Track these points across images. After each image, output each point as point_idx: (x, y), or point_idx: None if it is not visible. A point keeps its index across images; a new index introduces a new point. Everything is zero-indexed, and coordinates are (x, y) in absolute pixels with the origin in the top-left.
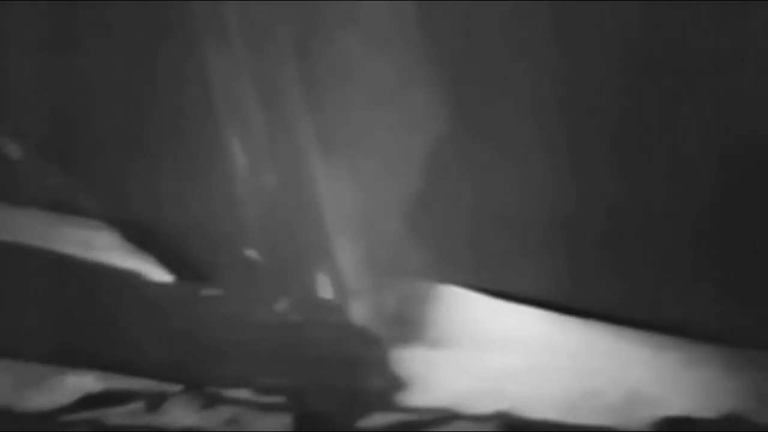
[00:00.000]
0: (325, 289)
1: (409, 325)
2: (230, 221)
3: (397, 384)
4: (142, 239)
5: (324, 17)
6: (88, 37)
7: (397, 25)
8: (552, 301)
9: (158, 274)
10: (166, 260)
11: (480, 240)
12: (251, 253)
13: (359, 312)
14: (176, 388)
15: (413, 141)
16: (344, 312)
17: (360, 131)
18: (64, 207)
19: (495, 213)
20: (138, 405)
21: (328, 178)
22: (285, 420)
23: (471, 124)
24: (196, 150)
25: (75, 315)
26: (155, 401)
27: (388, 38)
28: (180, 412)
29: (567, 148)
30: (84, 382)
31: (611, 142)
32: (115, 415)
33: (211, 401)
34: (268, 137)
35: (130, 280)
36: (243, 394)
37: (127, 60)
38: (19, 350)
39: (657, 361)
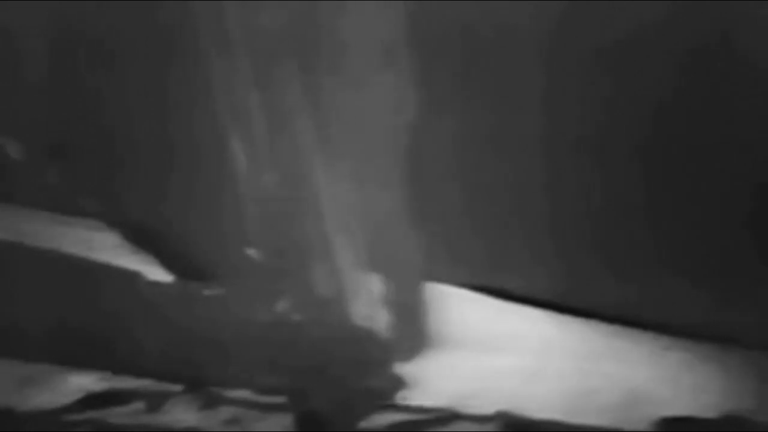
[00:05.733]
0: (325, 289)
1: (409, 325)
2: (231, 221)
3: (397, 384)
4: (142, 239)
5: (326, 23)
6: (94, 41)
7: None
8: (552, 301)
9: (158, 273)
10: (166, 260)
11: (480, 240)
12: (252, 253)
13: (359, 312)
14: (177, 388)
15: (414, 143)
16: (344, 312)
17: (359, 133)
18: (64, 207)
19: (495, 214)
20: (139, 405)
21: (328, 180)
22: (285, 420)
23: (471, 128)
24: (198, 151)
25: (75, 315)
26: (156, 401)
27: (388, 45)
28: (180, 412)
29: (568, 150)
30: (85, 382)
31: (612, 143)
32: (116, 415)
33: (212, 401)
34: (268, 139)
35: (130, 280)
36: (243, 394)
37: (130, 64)
38: (20, 350)
39: (657, 361)
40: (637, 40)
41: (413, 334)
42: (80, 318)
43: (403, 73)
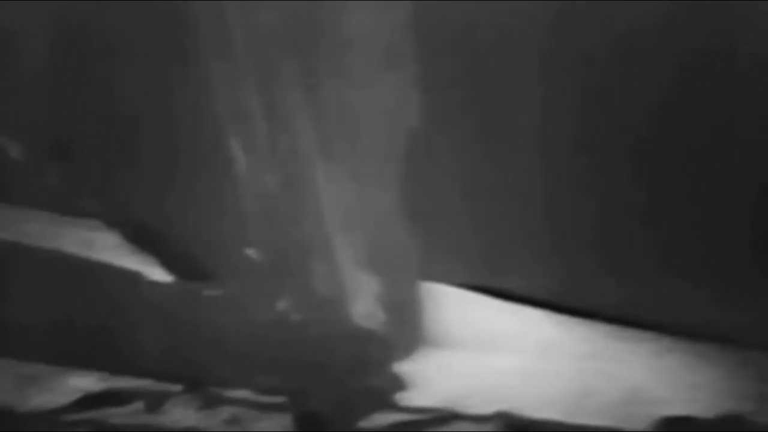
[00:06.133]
0: (325, 289)
1: (409, 325)
2: (231, 221)
3: (397, 384)
4: (143, 239)
5: (327, 23)
6: (94, 42)
7: (395, 35)
8: (552, 301)
9: (159, 273)
10: (167, 260)
11: (480, 240)
12: (252, 253)
13: (359, 311)
14: (177, 388)
15: (414, 143)
16: (344, 311)
17: (360, 134)
18: (64, 207)
19: (495, 214)
20: (138, 405)
21: (328, 180)
22: (285, 420)
23: (471, 128)
24: (198, 152)
25: (75, 315)
26: (155, 401)
27: (389, 46)
28: (180, 412)
29: (568, 150)
30: (84, 383)
31: (611, 143)
32: (115, 415)
33: (211, 401)
34: (269, 140)
35: (130, 280)
36: (243, 394)
37: (130, 64)
38: (20, 350)
39: (657, 361)
40: (636, 40)
41: (412, 334)
42: (80, 318)
43: (404, 74)
